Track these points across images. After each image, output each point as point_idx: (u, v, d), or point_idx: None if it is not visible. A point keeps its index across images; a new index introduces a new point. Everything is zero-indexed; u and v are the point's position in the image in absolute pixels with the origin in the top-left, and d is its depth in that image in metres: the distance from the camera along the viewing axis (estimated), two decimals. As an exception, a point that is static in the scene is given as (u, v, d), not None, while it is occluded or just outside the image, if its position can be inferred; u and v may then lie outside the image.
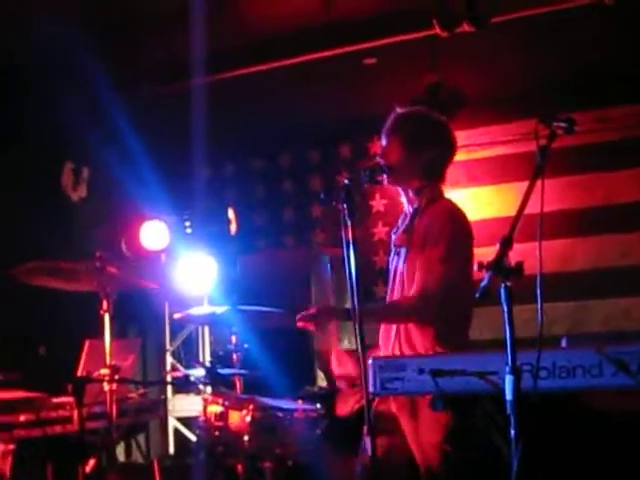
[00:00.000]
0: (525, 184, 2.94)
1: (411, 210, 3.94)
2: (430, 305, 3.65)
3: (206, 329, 7.67)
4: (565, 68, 6.32)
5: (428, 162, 3.87)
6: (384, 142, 3.98)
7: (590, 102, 6.52)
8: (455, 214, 3.85)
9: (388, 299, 3.96)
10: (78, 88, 5.80)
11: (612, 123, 6.65)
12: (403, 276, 3.82)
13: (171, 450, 7.45)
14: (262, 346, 5.40)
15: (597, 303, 6.57)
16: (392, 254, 3.98)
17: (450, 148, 3.97)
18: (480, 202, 6.89)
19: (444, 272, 3.64)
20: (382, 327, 3.92)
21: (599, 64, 6.30)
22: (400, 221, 4.03)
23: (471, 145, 6.82)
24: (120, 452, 6.08)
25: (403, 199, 4.00)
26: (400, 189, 3.98)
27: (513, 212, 2.89)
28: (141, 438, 6.39)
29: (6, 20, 5.47)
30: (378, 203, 7.30)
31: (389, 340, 3.84)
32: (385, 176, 3.87)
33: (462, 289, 3.68)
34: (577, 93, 6.45)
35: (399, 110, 4.02)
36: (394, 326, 3.81)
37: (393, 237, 4.05)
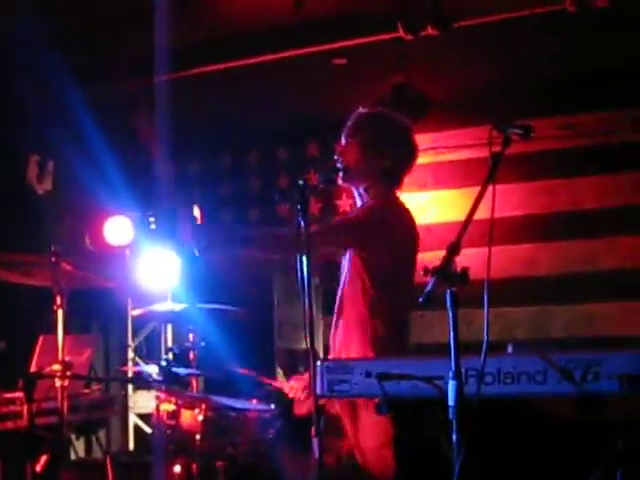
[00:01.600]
0: (491, 188, 2.92)
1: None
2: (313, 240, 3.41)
3: (169, 326, 7.62)
4: (533, 73, 6.32)
5: (385, 166, 3.84)
6: (343, 142, 3.95)
7: (558, 108, 6.56)
8: (382, 209, 3.82)
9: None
10: (42, 82, 5.75)
11: (579, 129, 6.65)
12: (346, 272, 3.81)
13: (131, 446, 7.41)
14: (221, 344, 5.36)
15: (559, 309, 6.58)
16: None
17: (409, 153, 3.93)
18: (445, 205, 6.87)
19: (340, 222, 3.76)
20: (332, 327, 3.90)
21: (567, 70, 6.31)
22: None
23: (438, 148, 6.78)
24: (80, 448, 6.05)
25: (356, 196, 4.00)
26: (352, 187, 3.98)
27: (479, 215, 2.88)
28: (102, 434, 6.34)
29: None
30: (344, 203, 7.25)
31: (333, 341, 3.85)
32: (341, 175, 3.86)
33: (397, 292, 3.67)
34: (545, 99, 6.48)
35: (361, 111, 3.99)
36: (339, 329, 3.79)
37: None
